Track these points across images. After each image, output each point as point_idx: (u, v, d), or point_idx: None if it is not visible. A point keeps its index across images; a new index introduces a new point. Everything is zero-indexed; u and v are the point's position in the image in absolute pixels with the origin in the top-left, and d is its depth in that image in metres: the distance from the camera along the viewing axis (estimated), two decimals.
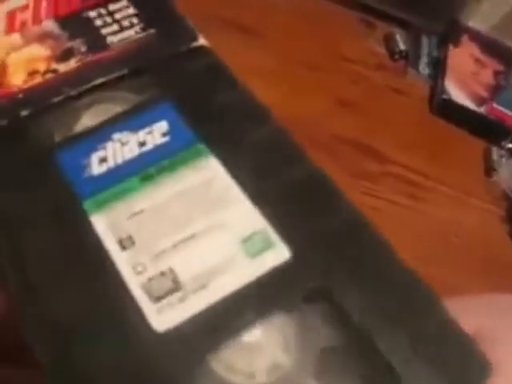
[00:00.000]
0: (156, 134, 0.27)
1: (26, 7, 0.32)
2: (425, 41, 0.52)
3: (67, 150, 0.26)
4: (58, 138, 0.27)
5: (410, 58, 0.51)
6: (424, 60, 0.51)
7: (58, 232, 0.24)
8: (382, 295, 0.23)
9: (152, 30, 0.31)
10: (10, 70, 0.29)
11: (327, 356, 0.22)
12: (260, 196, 0.25)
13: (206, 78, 0.29)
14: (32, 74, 0.29)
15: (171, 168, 0.26)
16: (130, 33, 0.31)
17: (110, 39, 0.30)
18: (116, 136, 0.27)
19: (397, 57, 0.51)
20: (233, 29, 0.49)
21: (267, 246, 0.23)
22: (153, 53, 0.30)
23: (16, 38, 0.31)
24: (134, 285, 0.22)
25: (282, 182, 0.25)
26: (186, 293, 0.22)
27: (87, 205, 0.25)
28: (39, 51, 0.30)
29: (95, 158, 0.26)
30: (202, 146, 0.26)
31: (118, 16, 0.31)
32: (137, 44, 0.30)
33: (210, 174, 0.25)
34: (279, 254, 0.23)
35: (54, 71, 0.29)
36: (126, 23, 0.31)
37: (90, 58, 0.30)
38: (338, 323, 0.22)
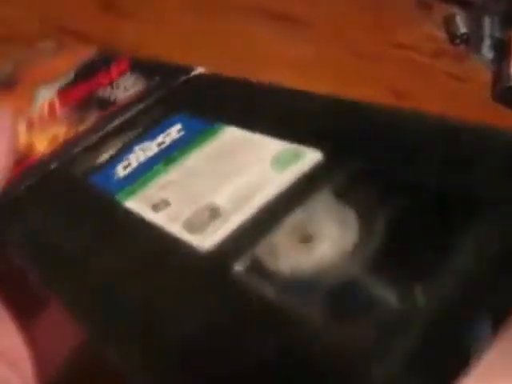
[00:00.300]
0: (173, 133, 0.27)
1: (41, 108, 0.35)
2: (487, 21, 0.47)
3: (95, 174, 0.27)
4: (84, 172, 0.28)
5: (471, 42, 0.47)
6: (487, 43, 0.46)
7: (100, 230, 0.24)
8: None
9: (152, 81, 0.33)
10: (35, 146, 0.31)
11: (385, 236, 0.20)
12: (281, 130, 0.24)
13: (210, 90, 0.31)
14: (53, 140, 0.31)
15: (193, 147, 0.26)
16: (136, 88, 0.33)
17: (118, 98, 0.32)
18: (137, 148, 0.27)
19: (457, 41, 0.47)
20: (277, 19, 0.46)
21: (296, 157, 0.22)
22: (156, 91, 0.32)
23: (37, 131, 0.33)
24: (175, 228, 0.21)
25: (301, 116, 0.25)
26: (225, 217, 0.21)
27: (119, 197, 0.24)
28: (59, 129, 0.32)
29: (120, 167, 0.26)
30: (219, 125, 0.26)
31: (123, 85, 0.34)
32: (140, 92, 0.32)
33: (230, 136, 0.25)
34: (310, 158, 0.22)
35: (74, 132, 0.31)
36: (129, 85, 0.33)
37: (103, 113, 0.31)
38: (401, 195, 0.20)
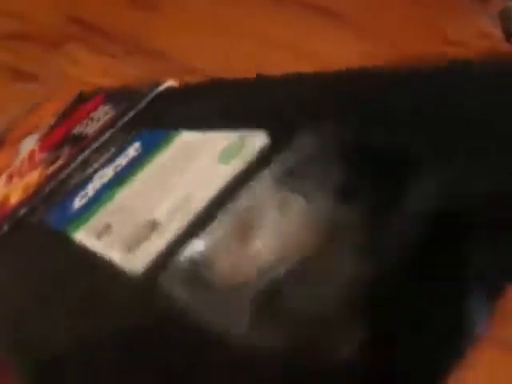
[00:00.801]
0: (130, 153, 0.25)
1: (22, 163, 0.33)
2: None
3: (54, 212, 0.25)
4: (45, 213, 0.26)
5: None
6: None
7: (50, 267, 0.21)
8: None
9: (120, 107, 0.31)
10: (10, 197, 0.29)
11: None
12: (232, 120, 0.21)
13: (173, 102, 0.28)
14: (27, 188, 0.29)
15: (146, 161, 0.23)
16: (105, 119, 0.31)
17: (89, 133, 0.30)
18: (96, 176, 0.25)
19: None
20: (312, 12, 0.40)
21: (242, 146, 0.19)
22: (122, 115, 0.29)
23: (15, 181, 0.31)
24: (113, 253, 0.19)
25: (252, 100, 0.22)
26: (162, 229, 0.18)
27: (69, 230, 0.22)
28: (33, 175, 0.30)
29: (78, 199, 0.24)
30: (175, 132, 0.24)
31: (95, 118, 0.32)
32: (108, 121, 0.30)
33: (182, 141, 0.23)
34: (255, 144, 0.19)
35: (46, 176, 0.29)
36: (100, 116, 0.31)
37: (74, 150, 0.29)
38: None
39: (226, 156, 0.19)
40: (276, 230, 0.16)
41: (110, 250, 0.19)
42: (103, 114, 0.31)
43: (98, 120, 0.31)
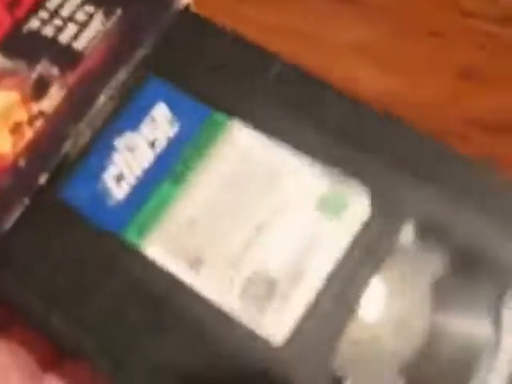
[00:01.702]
0: (160, 121, 0.22)
1: None
2: None
3: (73, 183, 0.22)
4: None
5: None
6: None
7: (116, 283, 0.20)
8: None
9: (118, 11, 0.26)
10: None
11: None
12: (306, 141, 0.20)
13: (192, 40, 0.24)
14: (16, 129, 0.24)
15: (199, 154, 0.21)
16: (95, 26, 0.25)
17: (77, 45, 0.25)
18: (119, 143, 0.22)
19: None
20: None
21: (342, 203, 0.19)
22: (136, 38, 0.25)
23: None
24: (231, 303, 0.18)
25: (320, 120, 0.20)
26: (283, 293, 0.18)
27: (128, 234, 0.20)
28: (6, 98, 0.25)
29: (109, 178, 0.22)
30: (218, 115, 0.21)
31: (66, 12, 0.26)
32: (113, 36, 0.25)
33: (243, 143, 0.21)
34: (358, 207, 0.18)
35: (41, 114, 0.24)
36: (81, 16, 0.26)
37: (71, 78, 0.25)
38: None
39: (325, 210, 0.19)
40: None
41: (226, 298, 0.18)
42: (81, 10, 0.25)
43: (81, 24, 0.25)
